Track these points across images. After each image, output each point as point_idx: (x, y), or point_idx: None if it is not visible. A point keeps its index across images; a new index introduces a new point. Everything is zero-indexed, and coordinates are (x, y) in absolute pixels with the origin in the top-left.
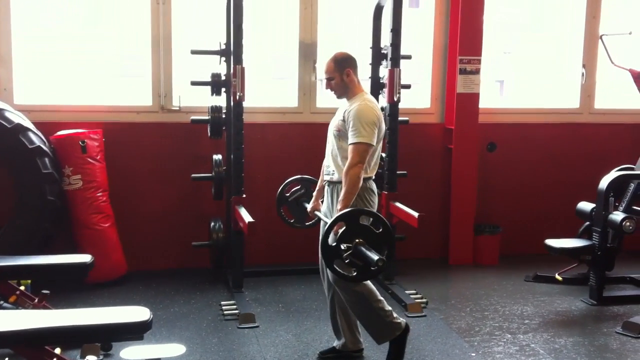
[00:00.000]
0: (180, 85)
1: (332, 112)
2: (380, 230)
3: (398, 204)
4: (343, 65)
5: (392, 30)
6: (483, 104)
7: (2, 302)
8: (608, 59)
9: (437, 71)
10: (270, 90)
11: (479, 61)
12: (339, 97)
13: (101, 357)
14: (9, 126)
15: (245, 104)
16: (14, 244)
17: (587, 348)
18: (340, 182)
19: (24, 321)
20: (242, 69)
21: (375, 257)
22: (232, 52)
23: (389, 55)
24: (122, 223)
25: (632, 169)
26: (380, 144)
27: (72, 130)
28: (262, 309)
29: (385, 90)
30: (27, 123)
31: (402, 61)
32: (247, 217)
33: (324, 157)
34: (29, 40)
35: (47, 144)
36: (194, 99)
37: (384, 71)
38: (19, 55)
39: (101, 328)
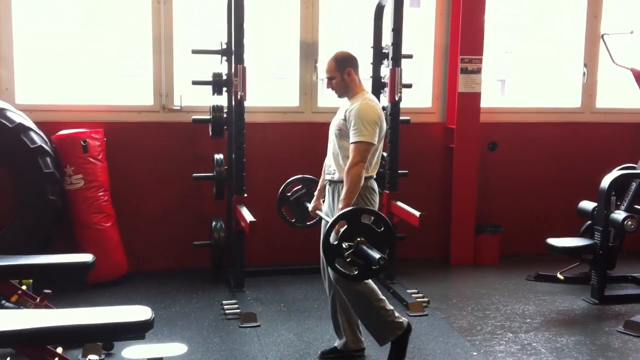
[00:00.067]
0: (181, 84)
1: (333, 111)
2: (382, 229)
3: (399, 203)
4: (344, 65)
5: (393, 30)
6: (484, 103)
7: (4, 301)
8: (609, 58)
9: (438, 70)
10: (270, 90)
11: (480, 60)
12: (340, 96)
13: (103, 356)
14: (10, 126)
15: (246, 104)
16: (15, 244)
17: (589, 347)
18: (341, 182)
19: (25, 321)
20: (244, 69)
21: (376, 255)
22: (234, 51)
23: (390, 55)
24: (123, 223)
25: (633, 168)
26: (382, 143)
27: (74, 129)
28: (264, 308)
29: (387, 89)
30: (29, 123)
31: (403, 60)
32: (248, 217)
33: (325, 156)
34: (31, 40)
35: (48, 143)
36: (195, 98)
37: (385, 70)
38: (20, 55)
39: (103, 327)
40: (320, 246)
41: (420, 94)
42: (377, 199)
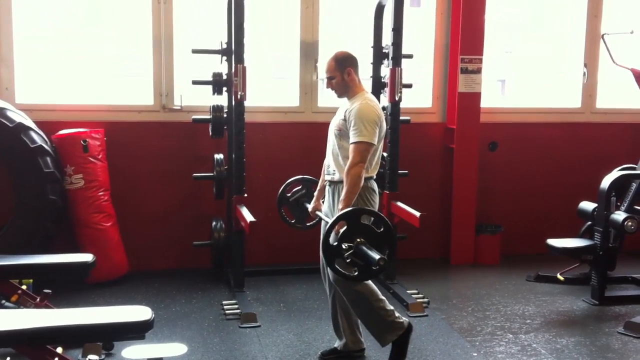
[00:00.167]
0: (181, 84)
1: (333, 111)
2: (382, 229)
3: (399, 204)
4: (344, 65)
5: (393, 30)
6: (484, 103)
7: (4, 301)
8: (610, 58)
9: (438, 70)
10: (269, 89)
11: (480, 60)
12: (339, 96)
13: (103, 356)
14: (10, 125)
15: (246, 103)
16: (15, 244)
17: (589, 348)
18: (341, 182)
19: (25, 320)
20: (244, 68)
21: (376, 256)
22: (234, 51)
23: (391, 55)
24: (124, 222)
25: (633, 168)
26: (382, 144)
27: (74, 129)
28: (264, 309)
29: (387, 89)
30: (29, 122)
31: (403, 60)
32: (248, 217)
33: (325, 156)
34: (31, 39)
35: (48, 143)
36: (196, 98)
37: (385, 70)
38: (20, 54)
39: (103, 327)
40: (320, 247)
41: (420, 94)
42: (377, 199)
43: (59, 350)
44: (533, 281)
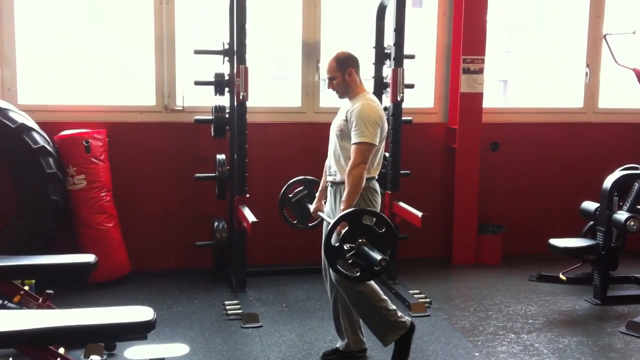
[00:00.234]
0: (183, 85)
1: (335, 112)
2: (383, 230)
3: (401, 204)
4: (345, 65)
5: (395, 30)
6: (486, 103)
7: (6, 302)
8: (612, 58)
9: (440, 71)
10: (270, 90)
11: (482, 61)
12: (340, 96)
13: (105, 356)
14: (12, 126)
15: (248, 104)
16: (17, 244)
17: (591, 348)
18: (343, 183)
19: (28, 321)
20: (246, 69)
21: (378, 257)
22: (236, 52)
23: (392, 55)
24: (125, 223)
25: (636, 168)
26: (383, 144)
27: (76, 130)
28: (266, 309)
29: (389, 89)
30: (31, 123)
31: (405, 61)
32: (250, 217)
33: (326, 157)
34: (33, 40)
35: (51, 143)
36: (198, 98)
37: (387, 71)
38: (22, 55)
39: (105, 328)
40: (321, 247)
41: (422, 94)
42: (379, 199)
43: (61, 350)
44: (535, 281)
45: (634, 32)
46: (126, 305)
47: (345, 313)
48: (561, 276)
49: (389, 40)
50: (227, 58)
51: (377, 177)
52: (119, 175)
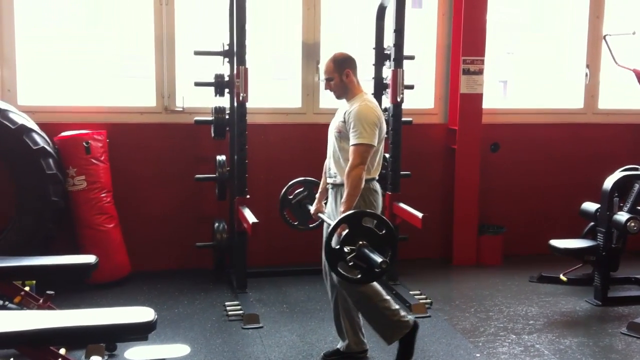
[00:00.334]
0: (183, 86)
1: (334, 112)
2: (384, 232)
3: (402, 205)
4: (342, 66)
5: (395, 31)
6: (486, 104)
7: (7, 302)
8: (612, 59)
9: (440, 71)
10: (270, 90)
11: (482, 61)
12: (338, 97)
13: (106, 357)
14: (12, 127)
15: (248, 105)
16: (17, 245)
17: (592, 349)
18: (343, 185)
19: (28, 322)
20: (245, 70)
21: (378, 259)
22: (235, 53)
23: (392, 56)
24: (126, 223)
25: (636, 169)
26: (382, 144)
27: (76, 131)
28: (266, 310)
29: (389, 90)
30: (31, 124)
31: (405, 62)
32: (251, 218)
33: (326, 157)
34: (33, 41)
35: (51, 144)
36: (198, 99)
37: (387, 72)
38: (22, 56)
39: (106, 328)
40: (322, 248)
41: (422, 95)
42: (379, 200)
43: (62, 351)
44: (536, 282)
45: (633, 33)
46: (127, 306)
47: (346, 314)
48: (562, 277)
49: (388, 41)
50: (227, 59)
51: (377, 177)
52: (119, 176)
